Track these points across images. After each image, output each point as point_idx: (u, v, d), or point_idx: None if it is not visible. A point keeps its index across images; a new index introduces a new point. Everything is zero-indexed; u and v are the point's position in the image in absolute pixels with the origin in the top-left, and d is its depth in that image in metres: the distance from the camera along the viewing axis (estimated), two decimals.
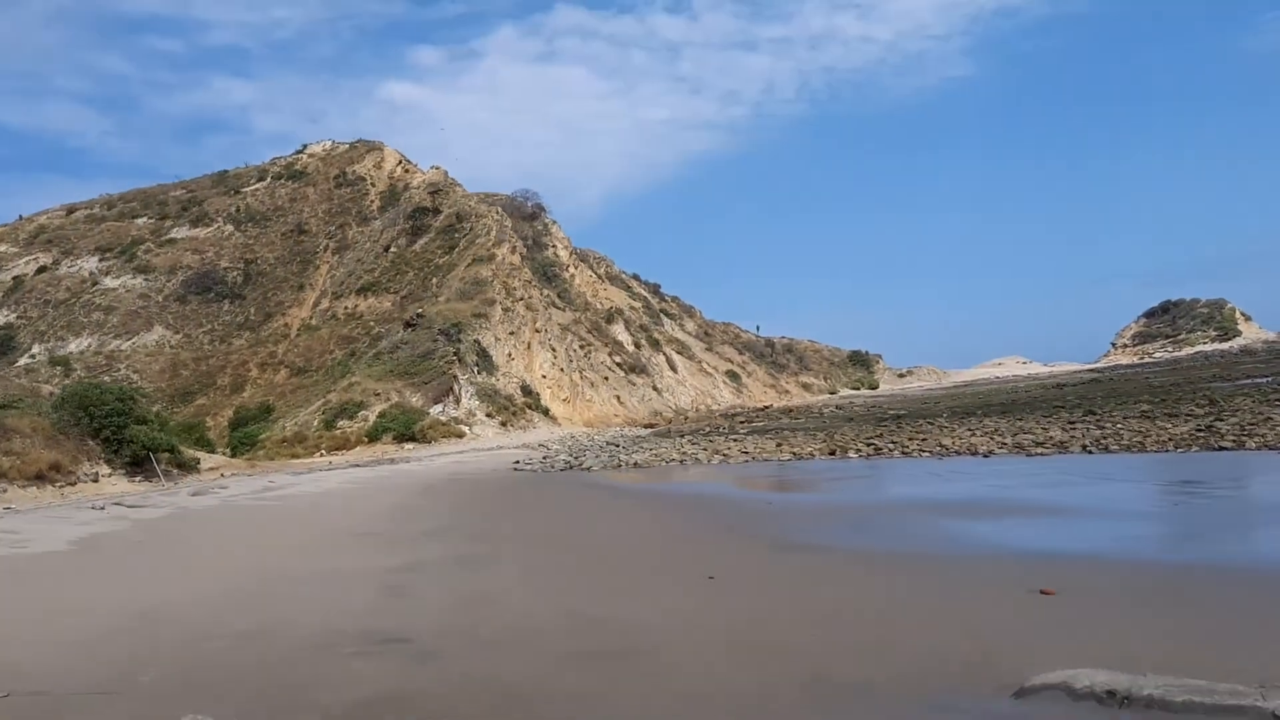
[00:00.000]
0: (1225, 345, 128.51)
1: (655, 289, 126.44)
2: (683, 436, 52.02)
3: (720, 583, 11.64)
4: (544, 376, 66.92)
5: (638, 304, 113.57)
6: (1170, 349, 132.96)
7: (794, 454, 34.55)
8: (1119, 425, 31.61)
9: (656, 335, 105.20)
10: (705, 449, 40.25)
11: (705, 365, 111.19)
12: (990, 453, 28.49)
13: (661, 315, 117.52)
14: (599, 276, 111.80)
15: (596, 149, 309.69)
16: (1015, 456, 27.40)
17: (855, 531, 15.38)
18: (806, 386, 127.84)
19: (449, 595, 11.89)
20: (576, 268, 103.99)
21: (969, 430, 36.30)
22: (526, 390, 63.28)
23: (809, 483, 26.08)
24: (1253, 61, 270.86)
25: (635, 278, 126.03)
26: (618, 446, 48.55)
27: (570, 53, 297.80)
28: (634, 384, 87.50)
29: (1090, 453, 26.18)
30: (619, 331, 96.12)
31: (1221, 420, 29.16)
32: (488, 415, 58.37)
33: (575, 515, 20.88)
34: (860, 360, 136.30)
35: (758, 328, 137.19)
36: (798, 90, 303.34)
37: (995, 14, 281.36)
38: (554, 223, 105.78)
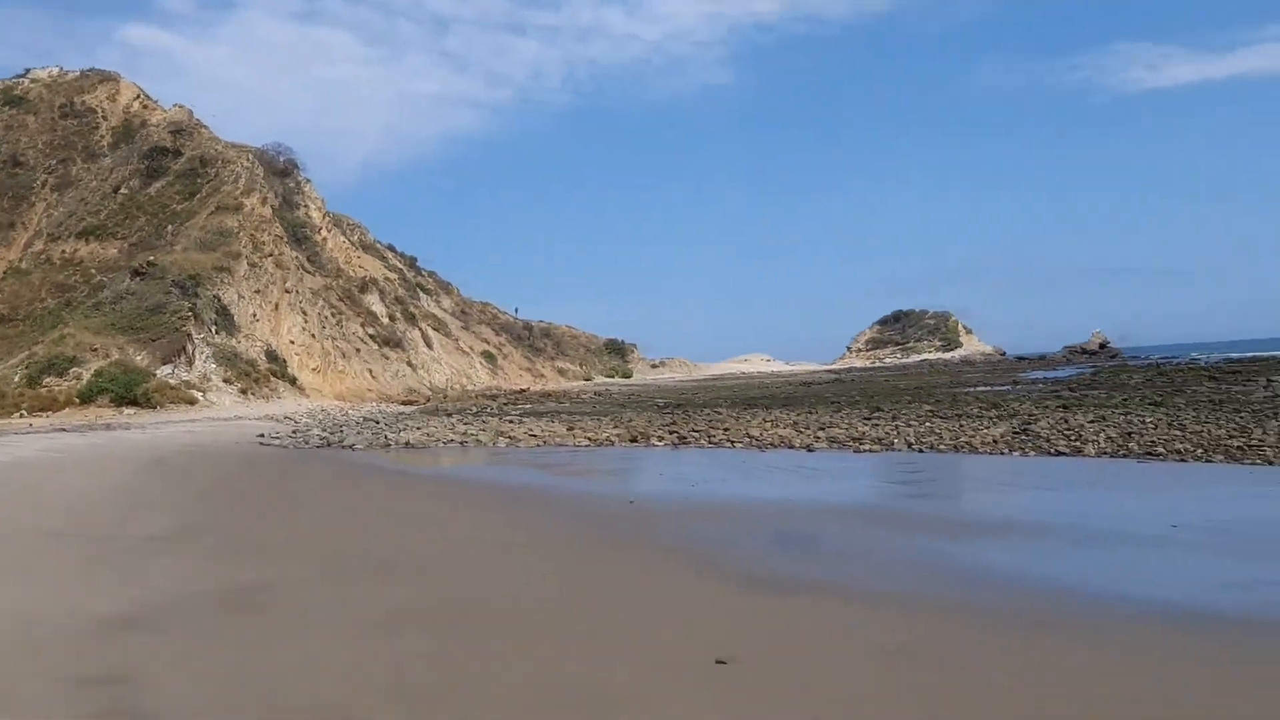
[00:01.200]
0: (948, 355, 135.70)
1: (412, 262, 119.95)
2: (450, 415, 47.38)
3: (745, 675, 6.95)
4: (293, 342, 60.25)
5: (393, 276, 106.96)
6: (900, 355, 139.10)
7: (590, 439, 30.89)
8: (926, 424, 29.82)
9: (413, 309, 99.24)
10: (484, 430, 35.93)
11: (462, 344, 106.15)
12: (810, 447, 25.87)
13: (418, 289, 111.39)
14: (353, 244, 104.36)
15: (356, 116, 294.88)
16: (839, 451, 24.90)
17: (827, 555, 11.58)
18: (562, 372, 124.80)
19: (220, 705, 6.44)
20: (330, 231, 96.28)
21: (765, 422, 33.81)
22: (272, 356, 56.57)
23: (640, 473, 22.65)
24: (979, 95, 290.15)
25: (391, 248, 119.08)
26: (378, 423, 43.37)
27: (334, 15, 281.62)
28: (388, 358, 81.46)
29: (920, 451, 23.99)
30: (373, 302, 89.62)
31: (1031, 424, 27.79)
32: (226, 381, 51.50)
33: (374, 511, 16.13)
34: (616, 349, 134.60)
35: (516, 310, 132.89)
36: (564, 80, 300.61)
37: (754, 28, 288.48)
38: (307, 181, 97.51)
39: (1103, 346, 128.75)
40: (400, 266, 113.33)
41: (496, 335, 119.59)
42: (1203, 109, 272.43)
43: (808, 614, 8.73)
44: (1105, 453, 21.84)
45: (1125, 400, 37.34)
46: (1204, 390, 42.78)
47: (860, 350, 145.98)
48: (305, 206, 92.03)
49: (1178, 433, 24.12)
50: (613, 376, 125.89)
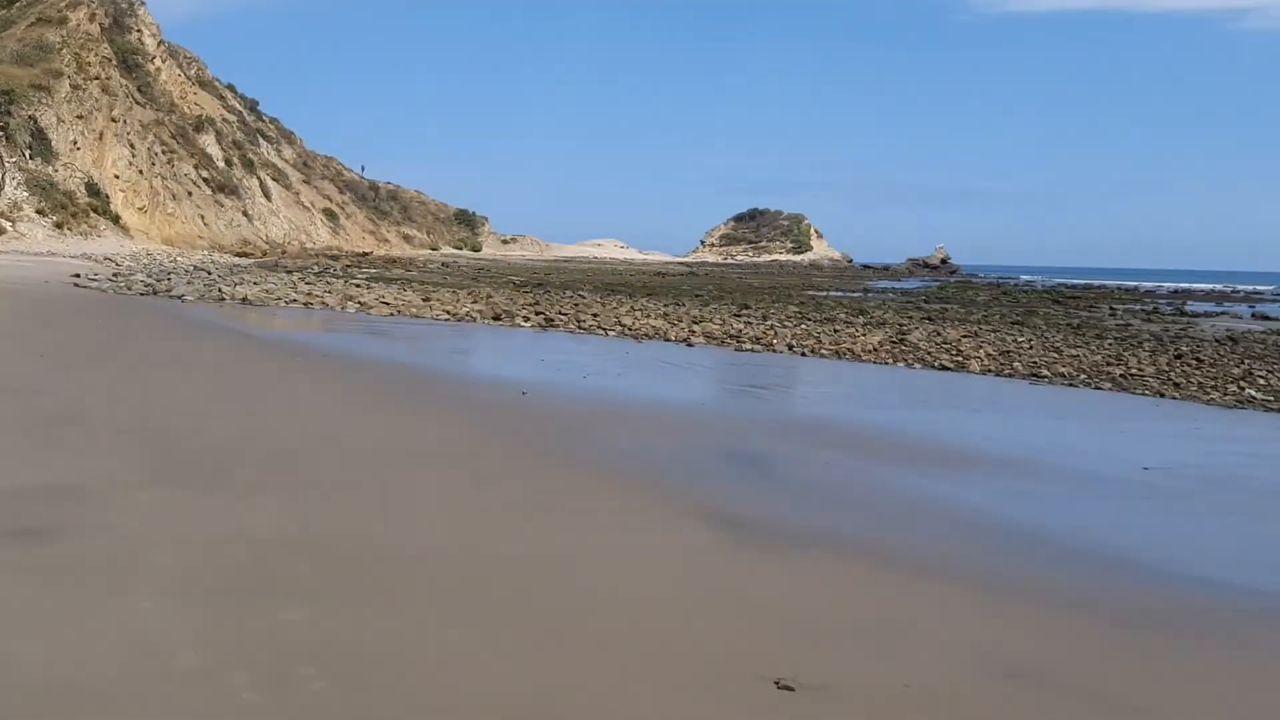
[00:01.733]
0: (799, 257, 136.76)
1: (253, 105, 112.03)
2: (290, 273, 44.04)
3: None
4: (117, 177, 54.89)
5: (232, 118, 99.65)
6: (751, 254, 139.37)
7: (449, 313, 28.70)
8: (801, 326, 28.80)
9: (252, 156, 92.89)
10: (330, 292, 33.21)
11: (303, 198, 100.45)
12: (689, 341, 24.44)
13: (259, 135, 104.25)
14: (190, 78, 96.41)
15: None
16: (720, 349, 23.55)
17: (801, 488, 9.43)
18: (408, 238, 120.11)
19: None
20: (165, 62, 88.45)
21: (635, 310, 32.24)
22: (94, 190, 51.39)
23: (517, 356, 20.81)
24: (841, 4, 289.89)
25: (231, 88, 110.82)
26: (210, 274, 39.89)
27: None
28: (223, 205, 76.05)
29: (803, 354, 22.86)
30: (209, 143, 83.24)
31: (906, 334, 27.10)
32: (39, 213, 46.46)
33: (215, 382, 13.66)
34: (466, 220, 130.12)
35: (362, 168, 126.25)
36: None
37: None
38: (141, 3, 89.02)
39: (944, 262, 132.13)
40: (240, 109, 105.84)
41: (340, 193, 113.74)
42: (1061, 37, 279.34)
43: (832, 585, 6.56)
44: (989, 370, 21.12)
45: (985, 317, 37.33)
46: (1056, 313, 43.39)
47: (713, 245, 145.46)
48: (138, 31, 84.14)
49: (1054, 355, 23.71)
50: (461, 249, 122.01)
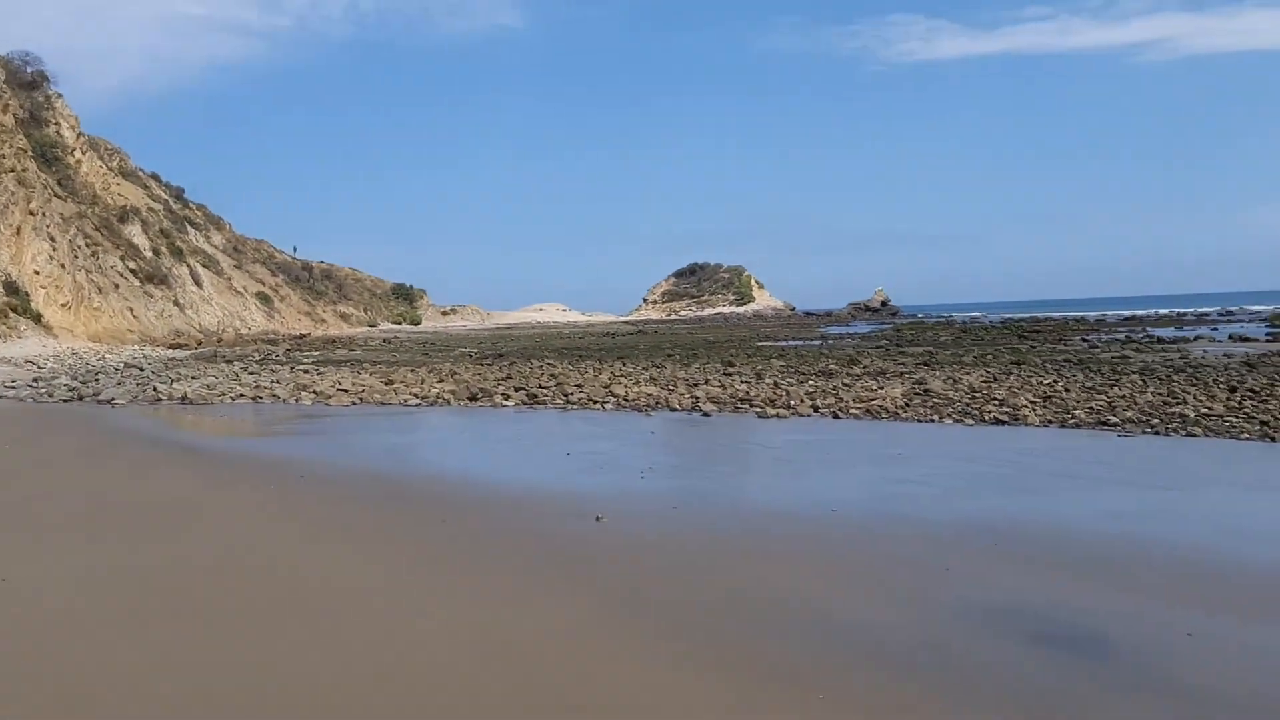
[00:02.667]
0: (742, 309, 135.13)
1: (179, 193, 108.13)
2: (231, 363, 40.39)
3: None
4: (38, 273, 50.71)
5: (158, 206, 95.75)
6: (695, 308, 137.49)
7: (417, 396, 25.46)
8: (809, 383, 26.01)
9: (180, 244, 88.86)
10: (279, 382, 29.78)
11: (235, 284, 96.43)
12: (700, 409, 21.51)
13: (186, 223, 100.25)
14: (112, 169, 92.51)
15: (114, 37, 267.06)
16: (740, 415, 20.65)
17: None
18: (345, 317, 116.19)
19: None
20: (85, 154, 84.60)
21: (620, 377, 29.23)
22: (11, 288, 47.29)
23: (534, 451, 16.74)
24: (765, 57, 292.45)
25: (155, 177, 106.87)
26: (143, 370, 36.19)
27: None
28: (152, 296, 71.91)
29: (837, 416, 20.02)
30: (135, 233, 79.25)
31: (926, 385, 24.44)
32: None
33: (156, 536, 9.65)
34: (404, 294, 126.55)
35: (294, 249, 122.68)
36: (346, 10, 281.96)
37: None
38: (59, 96, 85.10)
39: (884, 304, 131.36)
40: (165, 197, 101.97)
41: (273, 275, 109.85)
42: (969, 83, 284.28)
43: None
44: (1050, 421, 18.44)
45: (979, 358, 34.96)
46: (1041, 349, 41.23)
47: (656, 302, 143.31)
48: (56, 124, 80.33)
49: (1099, 397, 21.18)
50: (400, 323, 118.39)
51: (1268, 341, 43.48)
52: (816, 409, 20.80)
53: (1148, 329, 60.72)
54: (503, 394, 25.20)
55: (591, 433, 18.23)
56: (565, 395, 24.59)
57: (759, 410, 20.86)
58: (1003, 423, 18.55)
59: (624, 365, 34.52)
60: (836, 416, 19.94)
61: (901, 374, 27.87)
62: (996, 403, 20.55)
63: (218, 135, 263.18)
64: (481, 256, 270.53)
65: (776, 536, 9.57)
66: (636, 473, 13.02)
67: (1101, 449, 15.34)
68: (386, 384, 28.29)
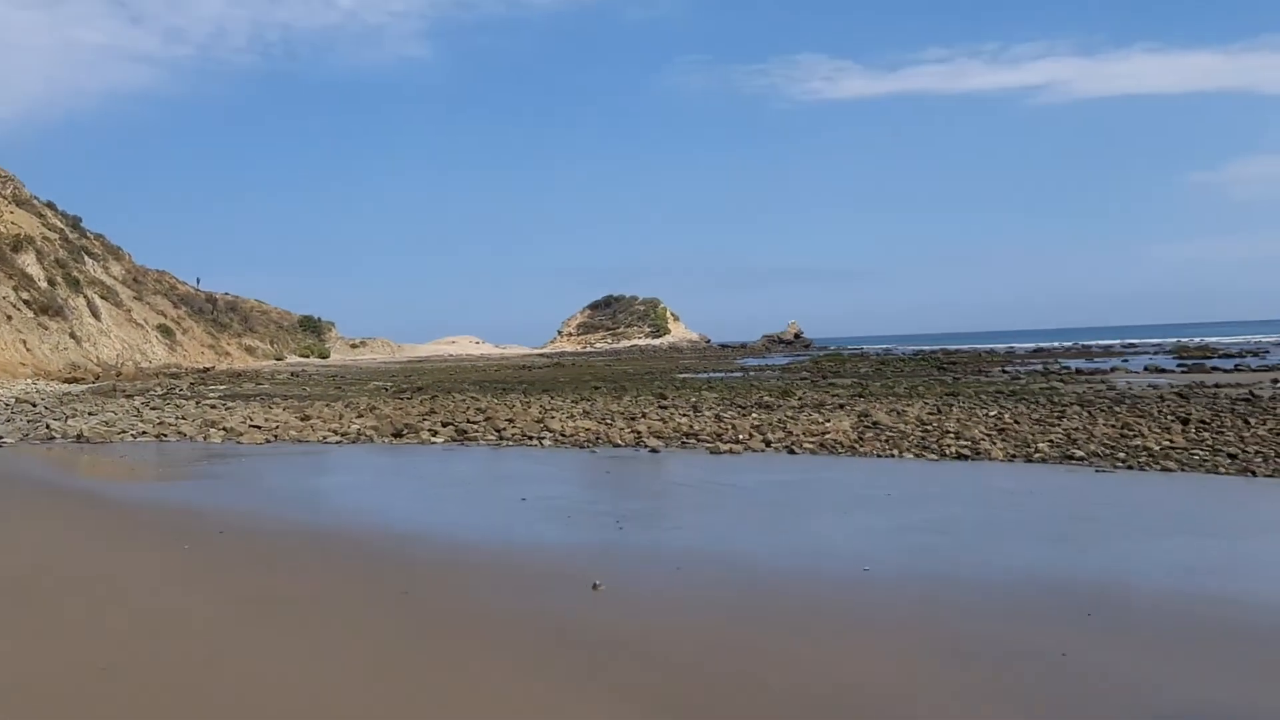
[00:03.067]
0: (658, 341, 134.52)
1: (75, 222, 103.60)
2: (131, 398, 37.84)
3: None
4: None
5: (53, 235, 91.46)
6: (610, 340, 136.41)
7: (336, 433, 23.71)
8: (750, 416, 24.93)
9: (77, 274, 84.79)
10: (186, 418, 27.67)
11: (135, 316, 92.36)
12: (645, 444, 20.26)
13: (83, 253, 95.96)
14: (5, 197, 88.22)
15: (11, 65, 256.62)
16: (690, 453, 19.41)
17: None
18: (251, 350, 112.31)
19: None
20: None
21: (551, 411, 27.77)
22: None
23: (484, 496, 14.95)
24: (674, 94, 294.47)
25: (51, 206, 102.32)
26: (35, 406, 33.60)
27: None
28: (47, 328, 68.09)
29: (793, 451, 18.92)
30: (29, 263, 75.28)
31: (872, 418, 23.58)
32: None
33: (42, 623, 7.68)
34: (312, 326, 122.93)
35: (198, 281, 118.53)
36: (250, 40, 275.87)
37: (453, 4, 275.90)
38: None
39: (797, 336, 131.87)
40: (62, 226, 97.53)
41: (175, 308, 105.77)
42: (873, 122, 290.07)
43: None
44: (1013, 455, 17.62)
45: (912, 389, 34.36)
46: (964, 381, 40.91)
47: (571, 334, 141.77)
48: None
49: (1056, 430, 20.41)
50: (308, 356, 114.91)
51: (1183, 373, 43.95)
52: (768, 443, 19.71)
53: (1060, 361, 61.35)
54: (429, 429, 23.60)
55: (539, 473, 16.76)
56: (497, 431, 23.10)
57: (709, 446, 19.68)
58: (965, 457, 17.67)
59: (552, 399, 33.09)
60: (792, 452, 18.86)
61: (841, 406, 27.01)
62: (952, 436, 19.70)
63: (117, 164, 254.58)
64: (391, 288, 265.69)
65: (815, 606, 8.12)
66: (610, 522, 11.63)
67: (1091, 487, 14.44)
68: (302, 420, 26.43)
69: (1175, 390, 30.42)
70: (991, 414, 23.80)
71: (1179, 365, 50.52)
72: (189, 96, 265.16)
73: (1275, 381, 34.29)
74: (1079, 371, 46.57)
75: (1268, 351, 63.37)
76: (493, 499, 14.04)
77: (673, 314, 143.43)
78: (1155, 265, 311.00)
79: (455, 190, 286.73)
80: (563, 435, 21.99)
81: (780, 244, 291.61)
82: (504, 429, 23.23)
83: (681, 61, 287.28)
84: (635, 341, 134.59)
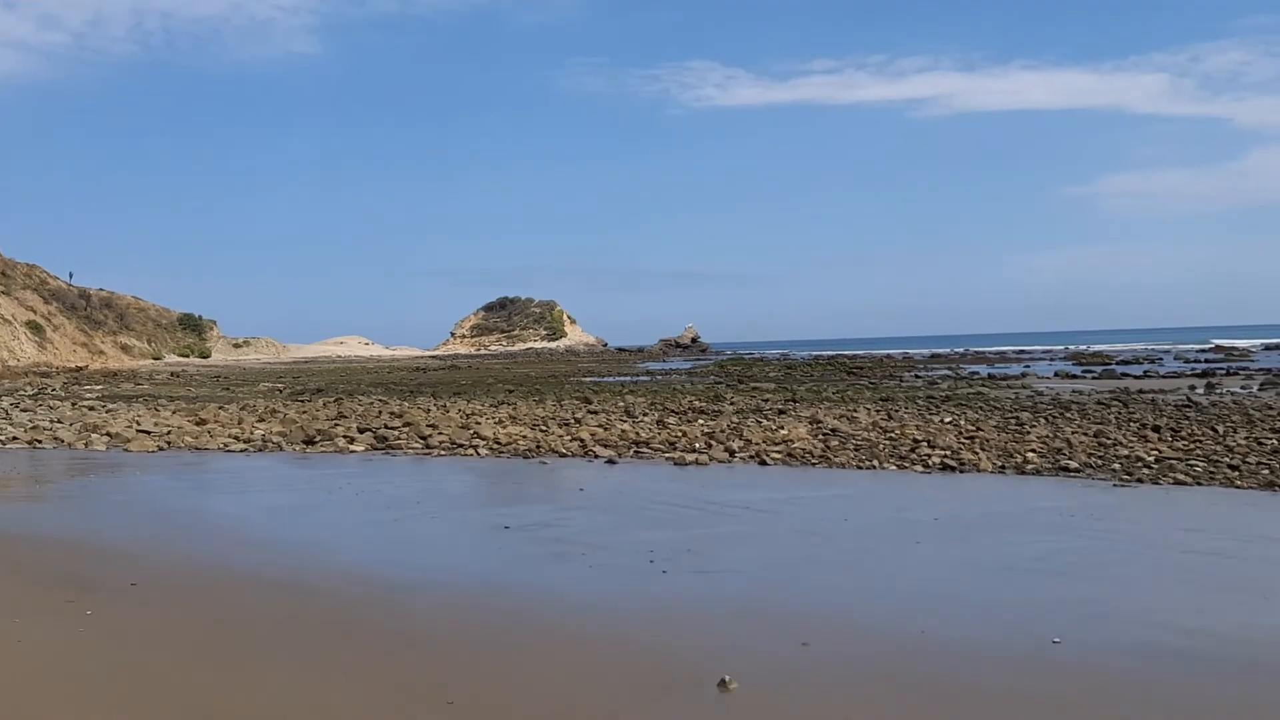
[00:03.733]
0: (554, 344, 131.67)
1: None
2: None
3: None
4: None
5: None
6: (505, 343, 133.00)
7: (239, 439, 20.99)
8: (696, 423, 23.08)
9: None
10: (63, 421, 24.48)
11: (2, 311, 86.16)
12: (592, 453, 18.20)
13: None
14: None
15: None
16: (652, 465, 17.34)
17: None
18: (127, 349, 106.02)
19: None
20: None
21: (476, 417, 25.43)
22: None
23: (446, 523, 12.30)
24: (568, 97, 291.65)
25: None
26: None
27: None
28: None
29: (763, 463, 17.04)
30: None
31: (826, 424, 21.97)
32: None
33: None
34: (193, 324, 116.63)
35: (70, 275, 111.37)
36: (130, 29, 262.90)
37: (344, 0, 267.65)
38: None
39: (694, 341, 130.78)
40: None
41: (46, 303, 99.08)
42: (763, 130, 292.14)
43: None
44: (1004, 468, 16.10)
45: (841, 394, 32.96)
46: (883, 385, 39.87)
47: (464, 337, 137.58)
48: None
49: (1033, 440, 19.00)
50: (188, 356, 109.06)
51: (1095, 379, 43.79)
52: (732, 453, 17.84)
53: (962, 366, 61.29)
54: (345, 436, 21.06)
55: (499, 492, 14.49)
56: (422, 438, 20.72)
57: (670, 456, 17.70)
58: (951, 469, 16.08)
59: (468, 402, 30.64)
60: (762, 463, 17.02)
61: (782, 411, 25.33)
62: (926, 445, 18.14)
63: None
64: (276, 287, 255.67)
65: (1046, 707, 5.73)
66: (639, 562, 9.32)
67: (1132, 503, 12.99)
68: (197, 424, 23.54)
69: (1112, 396, 29.71)
70: (947, 421, 22.42)
71: (1085, 371, 50.59)
72: (63, 85, 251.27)
73: (1194, 388, 34.08)
74: (992, 376, 46.13)
75: (1160, 359, 64.52)
76: (466, 527, 11.64)
77: (569, 317, 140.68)
78: (1030, 274, 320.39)
79: (344, 188, 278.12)
80: (498, 443, 19.75)
81: (674, 248, 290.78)
82: (429, 436, 20.86)
83: (576, 64, 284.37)
84: (531, 345, 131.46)
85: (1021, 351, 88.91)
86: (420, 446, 19.99)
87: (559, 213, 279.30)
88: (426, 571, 9.49)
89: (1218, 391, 32.12)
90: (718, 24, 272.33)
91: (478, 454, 18.77)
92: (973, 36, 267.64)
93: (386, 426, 22.40)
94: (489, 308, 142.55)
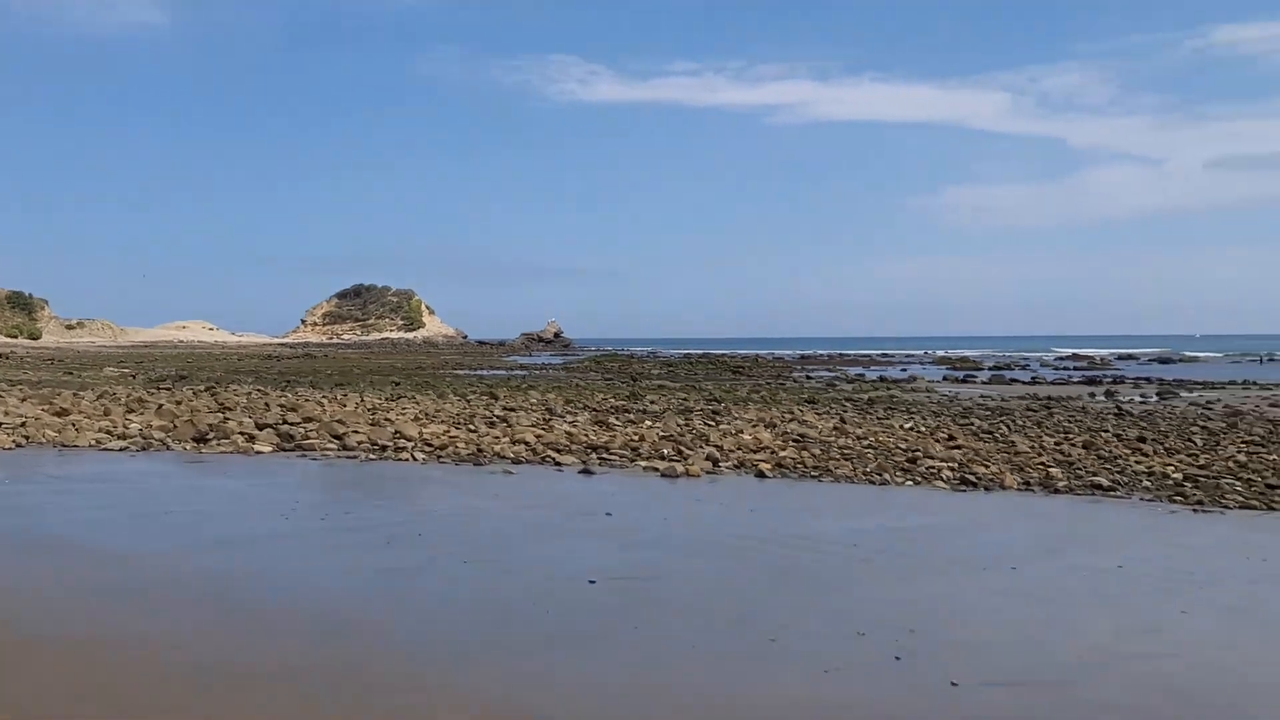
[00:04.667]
0: (411, 335, 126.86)
1: None
2: None
3: None
4: None
5: None
6: (360, 332, 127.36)
7: (112, 434, 17.37)
8: (642, 425, 20.66)
9: None
10: None
11: None
12: (553, 460, 15.55)
13: None
14: None
15: None
16: (627, 474, 14.81)
17: None
18: None
19: None
20: None
21: (384, 414, 22.28)
22: None
23: (483, 556, 9.69)
24: (428, 84, 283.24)
25: None
26: None
27: None
28: None
29: (764, 476, 14.75)
30: None
31: (775, 424, 19.91)
32: None
33: None
34: (22, 303, 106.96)
35: None
36: None
37: None
38: None
39: (557, 335, 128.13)
40: None
41: None
42: (624, 127, 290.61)
43: None
44: (1026, 484, 14.24)
45: (763, 396, 31.01)
46: (788, 386, 38.29)
47: (316, 324, 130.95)
48: None
49: (1026, 451, 17.25)
50: (16, 336, 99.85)
51: (986, 384, 43.45)
52: (715, 462, 15.39)
53: (839, 367, 60.78)
54: (243, 434, 17.71)
55: (504, 512, 11.49)
56: (336, 437, 17.59)
57: (655, 467, 15.10)
58: (971, 484, 14.11)
59: (362, 396, 27.28)
60: (761, 475, 14.65)
61: (715, 413, 23.08)
62: (924, 456, 16.18)
63: None
64: (114, 266, 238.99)
65: None
66: (883, 658, 6.35)
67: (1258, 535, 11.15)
68: (57, 414, 19.67)
69: (1040, 404, 28.66)
70: (907, 427, 20.62)
71: (968, 376, 50.44)
72: None
73: (1094, 395, 33.67)
74: (884, 379, 45.21)
75: (1027, 364, 65.73)
76: (556, 585, 8.17)
77: (428, 307, 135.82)
78: (879, 281, 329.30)
79: (188, 167, 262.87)
80: (429, 445, 16.84)
81: (532, 242, 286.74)
82: (344, 435, 17.73)
83: (437, 51, 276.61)
84: (387, 334, 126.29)
85: (885, 355, 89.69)
86: (336, 447, 16.89)
87: (418, 201, 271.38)
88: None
89: (1127, 400, 31.69)
90: (577, 20, 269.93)
91: (413, 458, 15.82)
92: (827, 47, 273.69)
93: (288, 423, 19.09)
94: (343, 295, 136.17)
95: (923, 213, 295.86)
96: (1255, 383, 40.67)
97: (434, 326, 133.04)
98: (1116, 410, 26.04)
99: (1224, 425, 21.57)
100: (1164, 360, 74.51)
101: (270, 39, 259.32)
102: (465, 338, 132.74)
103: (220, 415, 20.16)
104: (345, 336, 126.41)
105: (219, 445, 16.89)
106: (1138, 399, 32.54)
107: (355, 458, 16.04)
